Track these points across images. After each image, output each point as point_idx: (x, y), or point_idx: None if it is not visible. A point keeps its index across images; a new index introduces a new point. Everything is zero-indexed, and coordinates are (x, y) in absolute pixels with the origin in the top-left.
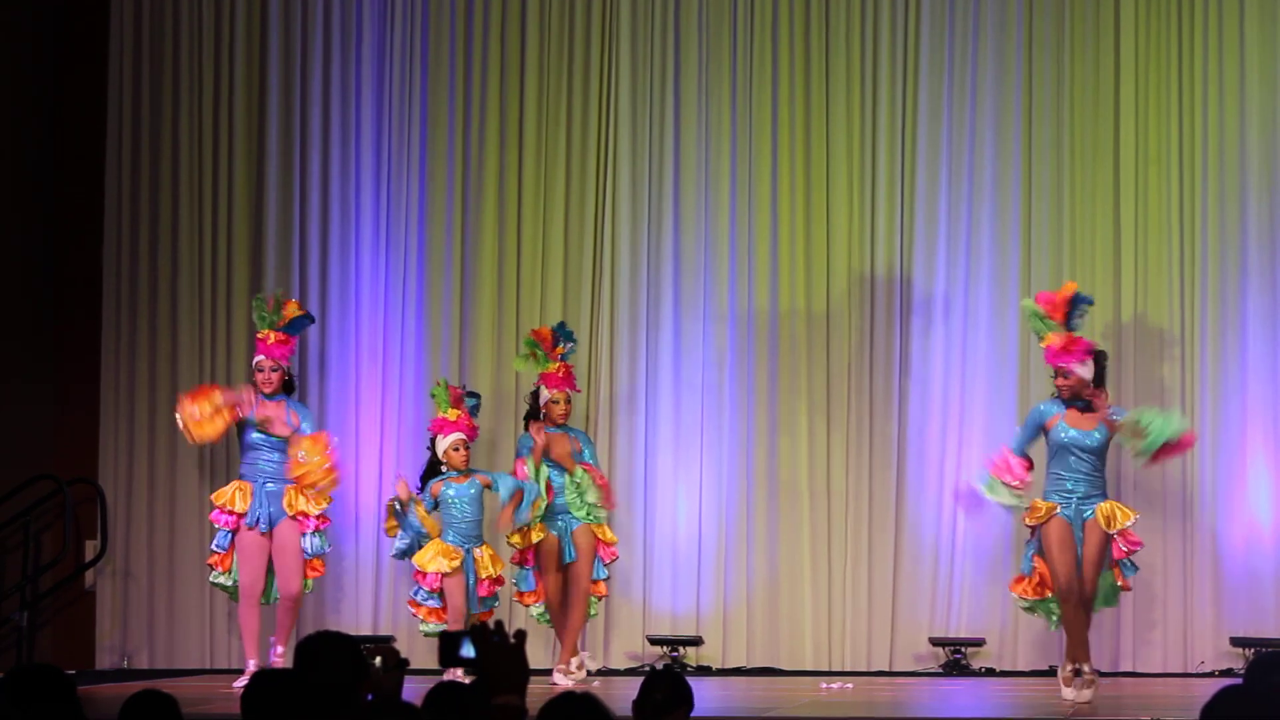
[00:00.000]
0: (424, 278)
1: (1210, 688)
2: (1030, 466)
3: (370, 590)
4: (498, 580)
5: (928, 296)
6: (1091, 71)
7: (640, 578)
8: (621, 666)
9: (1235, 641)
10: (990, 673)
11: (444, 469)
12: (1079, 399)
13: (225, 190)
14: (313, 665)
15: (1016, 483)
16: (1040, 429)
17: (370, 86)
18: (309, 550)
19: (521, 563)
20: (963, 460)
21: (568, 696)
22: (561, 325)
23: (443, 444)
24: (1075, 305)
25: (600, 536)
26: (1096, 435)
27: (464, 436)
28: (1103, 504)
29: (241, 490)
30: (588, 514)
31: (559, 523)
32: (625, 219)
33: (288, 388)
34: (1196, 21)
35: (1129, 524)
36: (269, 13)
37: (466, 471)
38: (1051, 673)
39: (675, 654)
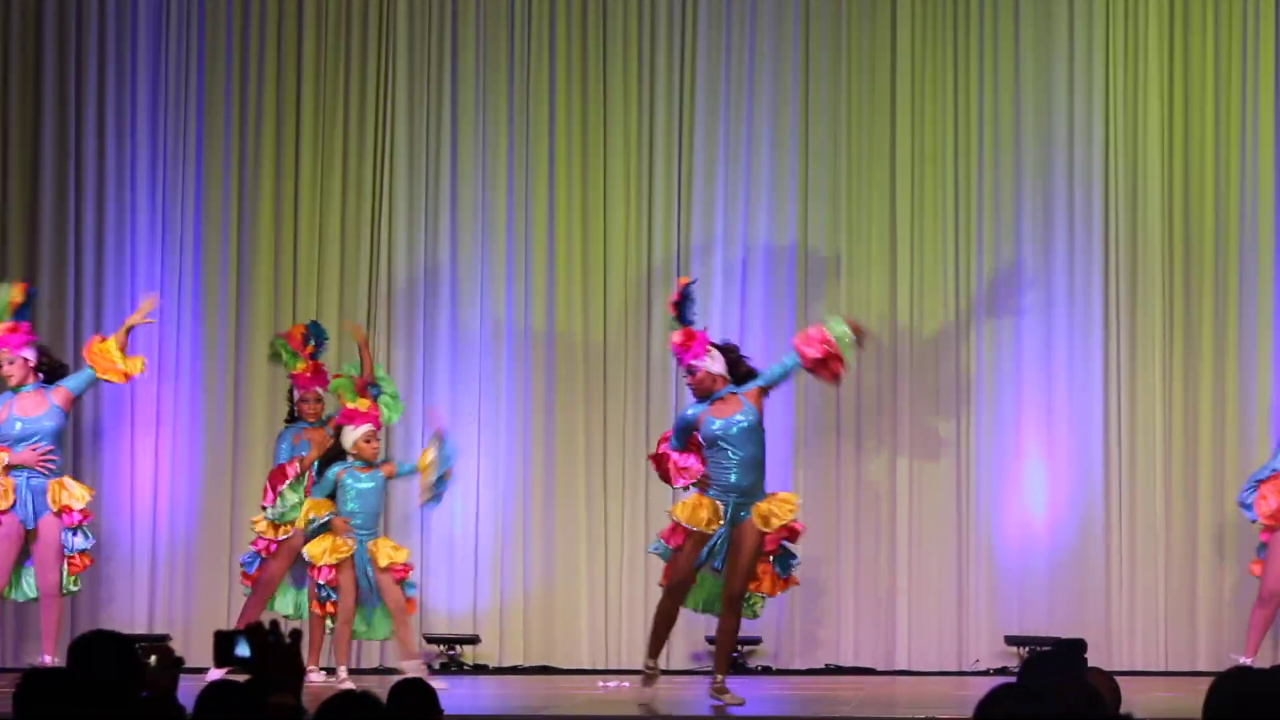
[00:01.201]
0: (200, 276)
1: (985, 686)
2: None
3: (145, 589)
4: (406, 567)
5: (704, 303)
6: (868, 72)
7: (416, 576)
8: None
9: (1010, 640)
10: (767, 671)
11: (349, 458)
12: (713, 393)
13: None
14: (86, 664)
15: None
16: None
17: (146, 83)
18: (69, 547)
19: (262, 550)
20: None
21: (347, 695)
22: (314, 323)
23: (352, 435)
24: (686, 298)
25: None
26: (741, 418)
27: (374, 428)
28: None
29: (3, 486)
30: None
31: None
32: (402, 219)
33: (50, 374)
34: (972, 22)
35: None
36: (44, 6)
37: (372, 463)
38: (827, 670)
39: (452, 652)
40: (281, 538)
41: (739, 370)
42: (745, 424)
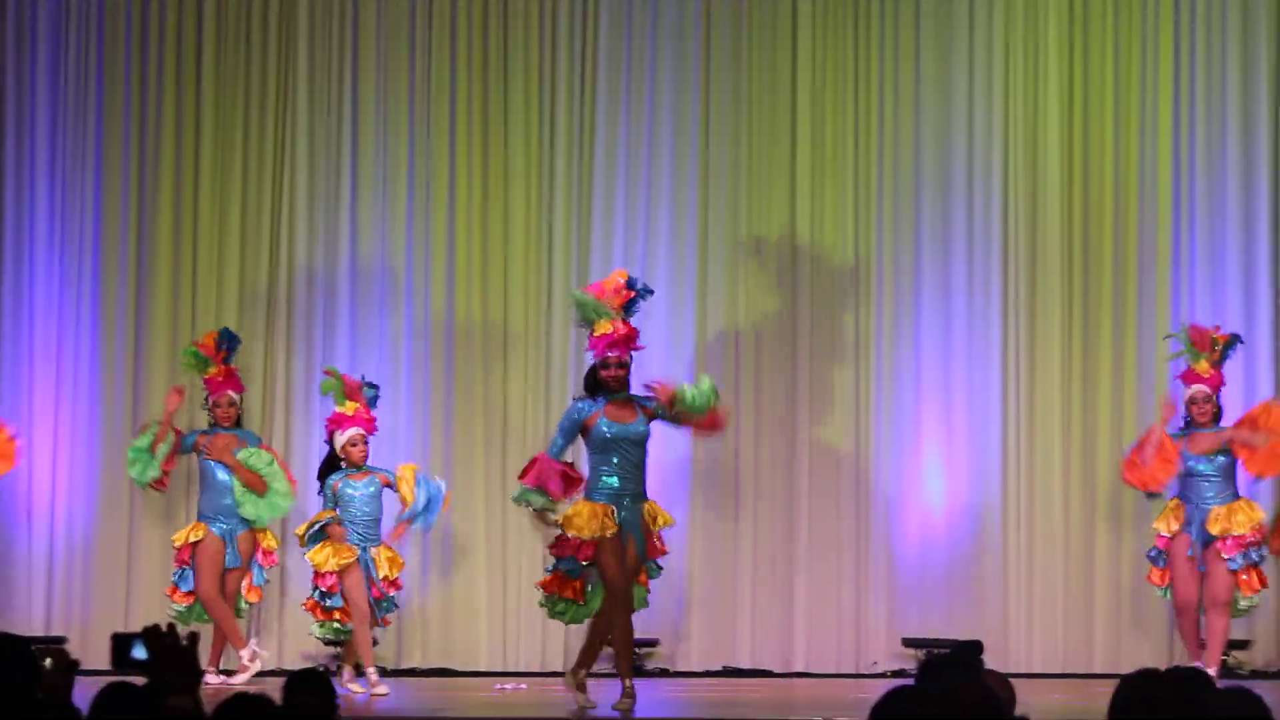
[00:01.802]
0: (99, 278)
1: (883, 688)
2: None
3: (43, 591)
4: (394, 583)
5: None
6: (768, 76)
7: (308, 579)
8: (294, 667)
9: (907, 642)
10: (664, 673)
11: (343, 465)
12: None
13: None
14: None
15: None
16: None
17: (45, 84)
18: None
19: (182, 563)
20: None
21: (241, 697)
22: (226, 330)
23: (340, 439)
24: (643, 294)
25: (260, 542)
26: (640, 427)
27: (362, 431)
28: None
29: None
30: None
31: (221, 524)
32: (302, 219)
33: None
34: (873, 28)
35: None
36: None
37: (365, 468)
38: (725, 673)
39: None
40: (193, 540)
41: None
42: (641, 432)
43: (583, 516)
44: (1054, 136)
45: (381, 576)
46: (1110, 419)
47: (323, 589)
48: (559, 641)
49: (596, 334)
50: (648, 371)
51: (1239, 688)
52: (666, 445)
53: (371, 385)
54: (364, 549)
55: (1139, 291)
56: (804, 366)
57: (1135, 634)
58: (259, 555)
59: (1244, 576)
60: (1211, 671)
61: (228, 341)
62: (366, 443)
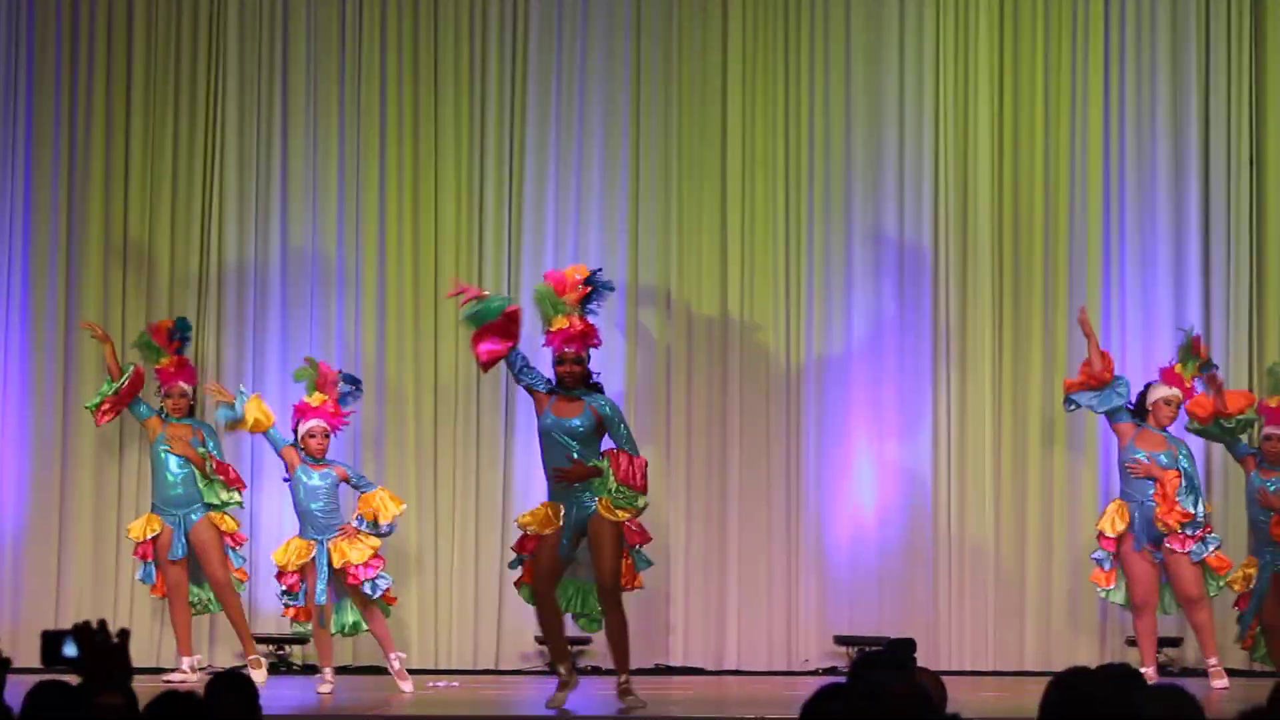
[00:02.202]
0: (29, 275)
1: (815, 686)
2: None
3: None
4: (369, 565)
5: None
6: (699, 77)
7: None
8: (229, 665)
9: (839, 640)
10: (597, 671)
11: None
12: (574, 390)
13: None
14: None
15: None
16: None
17: None
18: None
19: (143, 556)
20: None
21: (170, 696)
22: (180, 319)
23: (301, 429)
24: (596, 290)
25: (221, 526)
26: (578, 422)
27: (324, 424)
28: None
29: None
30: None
31: (171, 515)
32: (232, 217)
33: None
34: (803, 28)
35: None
36: None
37: (324, 461)
38: (657, 670)
39: (281, 652)
40: (150, 536)
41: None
42: (582, 429)
43: (535, 512)
44: (984, 135)
45: (342, 564)
46: (1041, 418)
47: (285, 587)
48: (491, 640)
49: (553, 329)
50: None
51: (1172, 685)
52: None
53: (351, 379)
54: (320, 544)
55: (1069, 291)
56: (735, 365)
57: (1066, 632)
58: (227, 539)
59: (1211, 561)
60: (1151, 670)
61: (181, 331)
62: (326, 436)
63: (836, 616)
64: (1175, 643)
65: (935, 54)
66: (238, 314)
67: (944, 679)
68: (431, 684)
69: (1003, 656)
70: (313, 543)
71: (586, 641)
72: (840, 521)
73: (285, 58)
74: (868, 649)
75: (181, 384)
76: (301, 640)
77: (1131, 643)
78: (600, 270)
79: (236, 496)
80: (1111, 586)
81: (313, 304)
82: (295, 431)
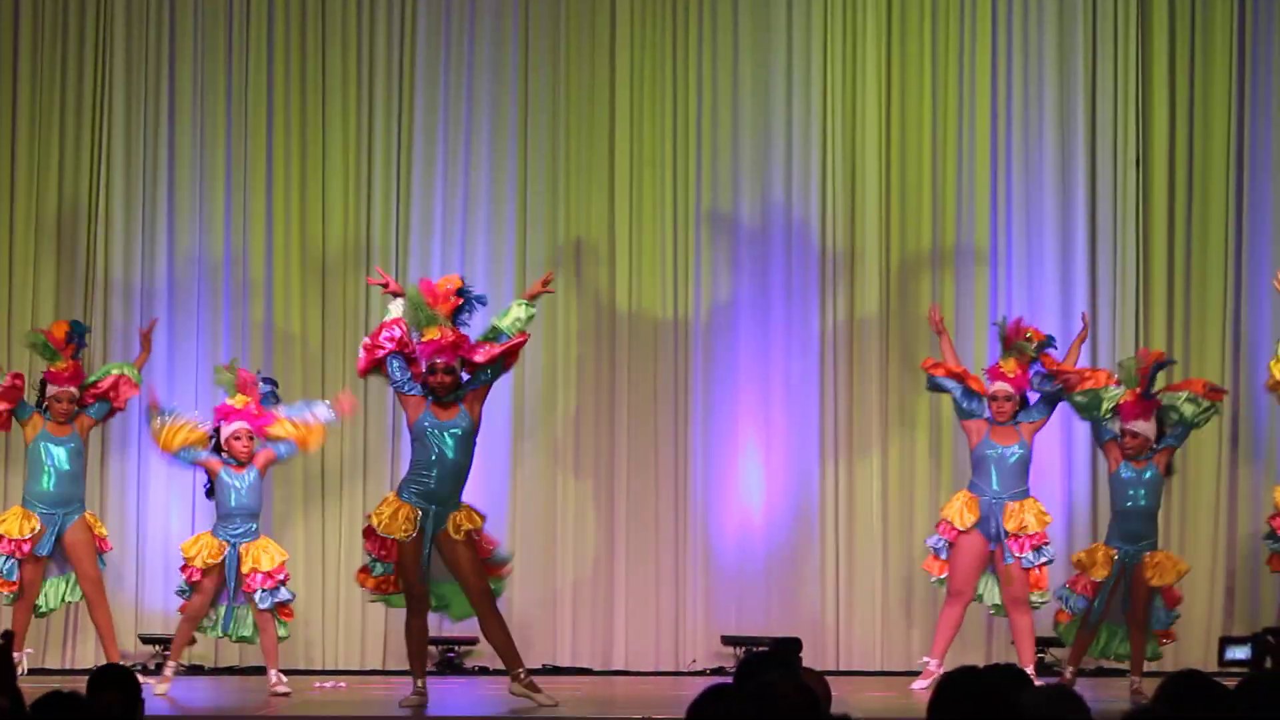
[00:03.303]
0: None
1: (702, 686)
2: None
3: None
4: (272, 575)
5: None
6: (587, 76)
7: (133, 575)
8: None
9: (726, 640)
10: (484, 671)
11: (224, 454)
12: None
13: None
14: None
15: None
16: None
17: None
18: None
19: (13, 552)
20: None
21: (55, 695)
22: (76, 322)
23: (225, 431)
24: (467, 302)
25: (95, 529)
26: (456, 424)
27: (247, 426)
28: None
29: None
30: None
31: (44, 511)
32: (119, 217)
33: None
34: (690, 30)
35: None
36: None
37: (243, 462)
38: (545, 671)
39: (168, 653)
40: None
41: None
42: (459, 431)
43: (387, 515)
44: (871, 135)
45: (249, 570)
46: (928, 417)
47: (185, 578)
48: (377, 640)
49: (425, 339)
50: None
51: (1057, 685)
52: (483, 447)
53: (268, 380)
54: (233, 545)
55: (956, 291)
56: (622, 366)
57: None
58: (98, 542)
59: (1035, 573)
60: (1029, 670)
61: (77, 335)
62: (252, 438)
63: (724, 617)
64: (1059, 643)
65: (823, 55)
66: (124, 315)
67: (832, 679)
68: (318, 685)
69: (890, 656)
70: (225, 544)
71: (474, 642)
72: (727, 522)
73: (172, 57)
74: (754, 649)
75: (72, 389)
76: (189, 642)
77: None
78: (472, 287)
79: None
80: (945, 575)
81: (199, 305)
82: (217, 433)
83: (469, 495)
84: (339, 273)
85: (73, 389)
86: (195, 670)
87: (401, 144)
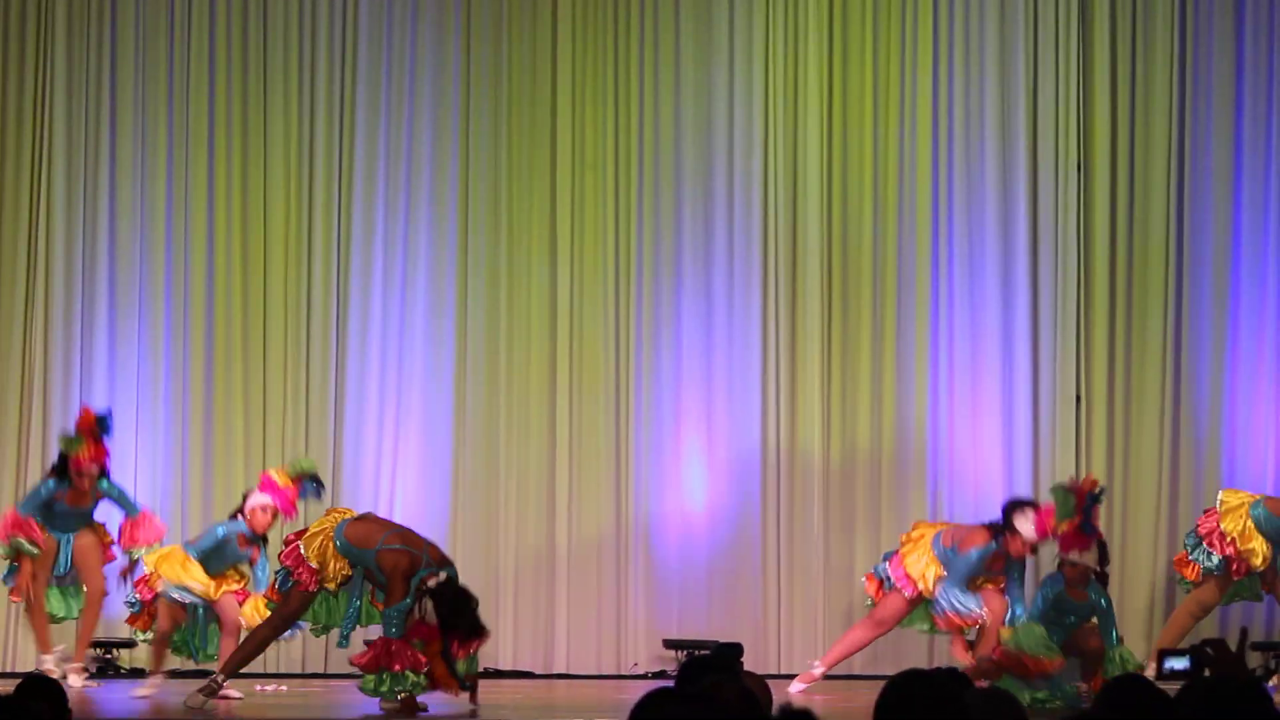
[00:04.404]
0: None
1: (644, 690)
2: None
3: None
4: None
5: (365, 304)
6: (529, 79)
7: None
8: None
9: (668, 644)
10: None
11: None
12: None
13: None
14: None
15: None
16: None
17: None
18: None
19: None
20: (399, 461)
21: None
22: (106, 411)
23: (253, 501)
24: (315, 485)
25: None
26: None
27: (275, 503)
28: None
29: None
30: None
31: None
32: (60, 220)
33: None
34: (633, 31)
35: None
36: None
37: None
38: (486, 674)
39: (109, 655)
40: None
41: None
42: None
43: (320, 551)
44: (813, 139)
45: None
46: (869, 422)
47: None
48: (319, 644)
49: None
50: (408, 372)
51: (995, 689)
52: (424, 449)
53: (313, 478)
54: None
55: (898, 296)
56: (564, 367)
57: (893, 635)
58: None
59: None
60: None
61: (104, 425)
62: (275, 516)
63: (665, 620)
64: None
65: (764, 58)
66: (65, 319)
67: (774, 683)
68: (260, 688)
69: None
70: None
71: (132, 645)
72: (669, 525)
73: (114, 58)
74: (696, 653)
75: (95, 468)
76: (129, 644)
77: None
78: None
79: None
80: (878, 601)
81: (141, 307)
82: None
83: (415, 504)
84: (280, 273)
85: (96, 467)
86: (137, 673)
87: (343, 145)
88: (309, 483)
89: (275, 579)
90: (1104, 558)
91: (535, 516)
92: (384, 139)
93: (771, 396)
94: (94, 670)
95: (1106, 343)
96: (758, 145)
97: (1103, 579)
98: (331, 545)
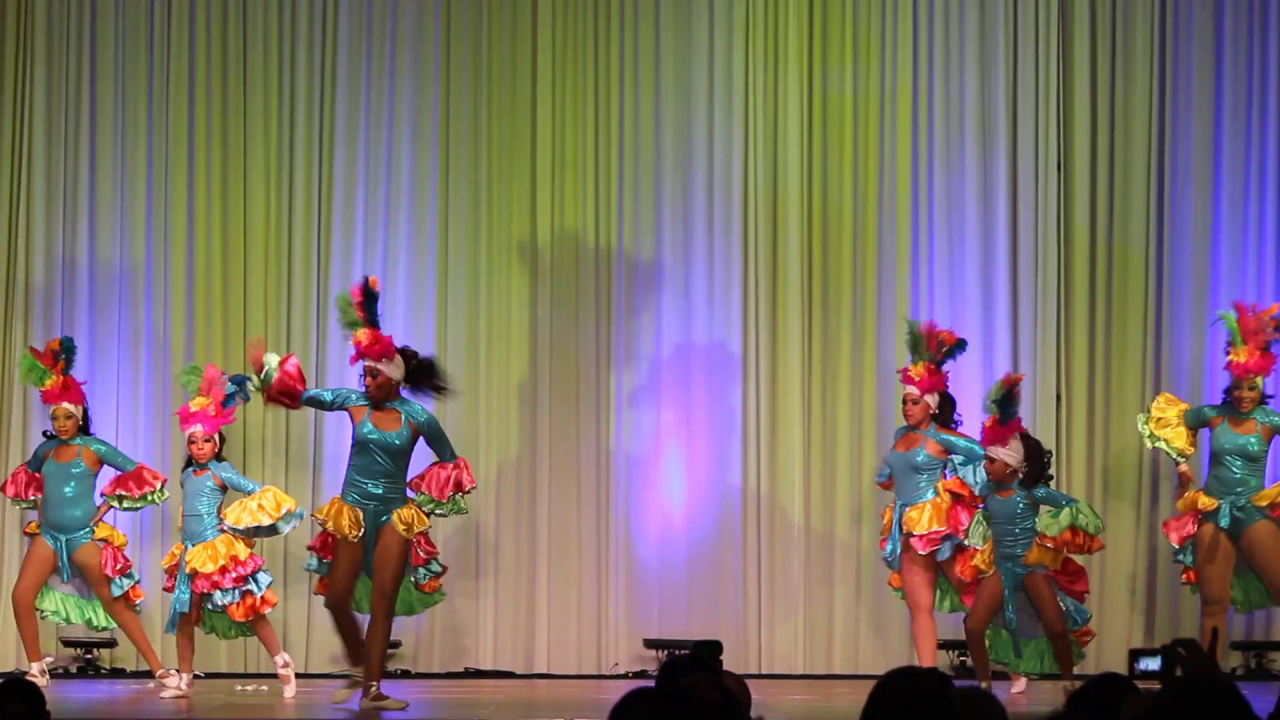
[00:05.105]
0: None
1: (624, 689)
2: None
3: None
4: (210, 579)
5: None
6: (509, 79)
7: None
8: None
9: (648, 644)
10: (406, 674)
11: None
12: (385, 402)
13: None
14: None
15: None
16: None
17: None
18: None
19: None
20: None
21: None
22: (66, 339)
23: (186, 433)
24: (371, 297)
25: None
26: (395, 437)
27: (203, 428)
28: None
29: None
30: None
31: (52, 537)
32: (40, 218)
33: None
34: (613, 29)
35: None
36: None
37: (204, 466)
38: (467, 674)
39: (90, 655)
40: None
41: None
42: (398, 444)
43: (333, 513)
44: (793, 139)
45: (191, 570)
46: (849, 419)
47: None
48: (300, 642)
49: (353, 342)
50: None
51: (975, 688)
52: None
53: (235, 379)
54: (187, 548)
55: (878, 294)
56: (544, 366)
57: (874, 635)
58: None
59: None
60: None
61: (66, 351)
62: (209, 440)
63: (646, 620)
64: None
65: (745, 58)
66: (45, 317)
67: (753, 682)
68: (240, 688)
69: (811, 659)
70: (181, 545)
71: (396, 645)
72: (649, 524)
73: (93, 61)
74: (676, 652)
75: (67, 405)
76: (110, 644)
77: (946, 646)
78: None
79: (157, 497)
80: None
81: (121, 308)
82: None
83: None
84: (260, 272)
85: (68, 404)
86: (117, 673)
87: (323, 145)
88: (230, 387)
89: (315, 571)
90: (1033, 455)
91: (515, 516)
92: (364, 138)
93: (752, 396)
94: (74, 670)
95: (1087, 341)
96: (738, 146)
97: (1034, 477)
98: (337, 501)
